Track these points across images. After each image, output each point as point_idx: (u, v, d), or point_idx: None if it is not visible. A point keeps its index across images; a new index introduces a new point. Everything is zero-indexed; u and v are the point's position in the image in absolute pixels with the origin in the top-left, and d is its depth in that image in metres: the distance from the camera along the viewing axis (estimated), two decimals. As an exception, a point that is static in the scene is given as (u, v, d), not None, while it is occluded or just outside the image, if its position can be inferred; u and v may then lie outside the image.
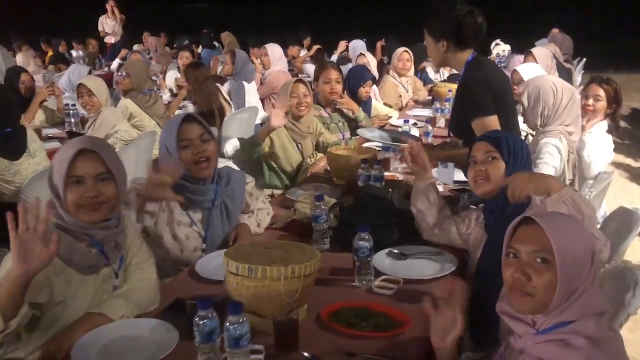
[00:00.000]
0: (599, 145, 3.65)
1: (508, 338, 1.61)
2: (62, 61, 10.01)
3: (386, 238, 2.33)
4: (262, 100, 6.42)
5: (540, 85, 3.31)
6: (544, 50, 5.17)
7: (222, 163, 3.53)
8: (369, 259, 2.10)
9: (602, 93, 3.74)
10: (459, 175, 3.15)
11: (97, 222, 1.94)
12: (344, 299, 2.02)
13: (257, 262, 1.79)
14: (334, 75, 4.28)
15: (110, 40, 11.80)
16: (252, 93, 6.18)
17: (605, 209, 3.60)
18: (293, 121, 3.77)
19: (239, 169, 3.11)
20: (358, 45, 8.49)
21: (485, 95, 2.71)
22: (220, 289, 2.09)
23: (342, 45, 9.11)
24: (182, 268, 2.39)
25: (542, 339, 1.46)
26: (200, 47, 10.50)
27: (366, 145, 3.78)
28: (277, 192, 3.81)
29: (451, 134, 3.25)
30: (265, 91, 6.52)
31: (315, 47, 9.40)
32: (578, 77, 7.55)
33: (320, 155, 3.93)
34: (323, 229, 2.42)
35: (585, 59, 8.63)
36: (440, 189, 3.19)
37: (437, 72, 7.47)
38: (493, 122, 2.69)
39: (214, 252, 2.43)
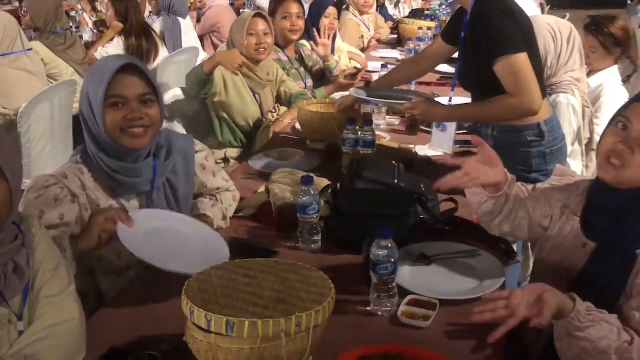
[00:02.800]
0: (612, 91, 3.12)
1: None
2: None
3: (402, 235, 1.69)
4: (201, 39, 5.57)
5: (536, 32, 2.71)
6: (527, -18, 4.54)
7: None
8: (393, 276, 1.46)
9: (595, 43, 3.18)
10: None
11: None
12: (360, 336, 1.40)
13: (240, 306, 1.13)
14: (294, 8, 3.49)
15: None
16: (188, 30, 5.31)
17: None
18: (250, 65, 3.02)
19: (181, 132, 2.35)
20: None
21: (511, 27, 2.07)
22: (169, 312, 1.46)
23: None
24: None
25: None
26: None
27: (344, 94, 3.05)
28: (232, 152, 3.10)
29: (454, 87, 2.60)
30: (203, 29, 5.66)
31: None
32: (545, 13, 7.02)
33: (283, 108, 3.22)
34: (313, 222, 1.77)
35: (548, -6, 8.08)
36: (438, 152, 2.58)
37: (396, 7, 6.77)
38: (523, 61, 2.05)
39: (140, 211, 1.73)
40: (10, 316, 1.28)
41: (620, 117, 1.38)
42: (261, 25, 3.04)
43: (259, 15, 3.10)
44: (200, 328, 1.11)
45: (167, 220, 1.70)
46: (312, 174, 1.92)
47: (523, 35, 2.11)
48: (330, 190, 1.88)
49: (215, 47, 5.64)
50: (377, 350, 1.32)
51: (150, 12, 5.56)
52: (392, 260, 1.44)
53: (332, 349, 1.32)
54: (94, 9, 6.10)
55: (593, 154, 2.96)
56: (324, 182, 1.97)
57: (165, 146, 1.81)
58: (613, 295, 1.38)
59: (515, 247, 2.00)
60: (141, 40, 4.40)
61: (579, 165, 2.76)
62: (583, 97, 2.83)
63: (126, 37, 4.37)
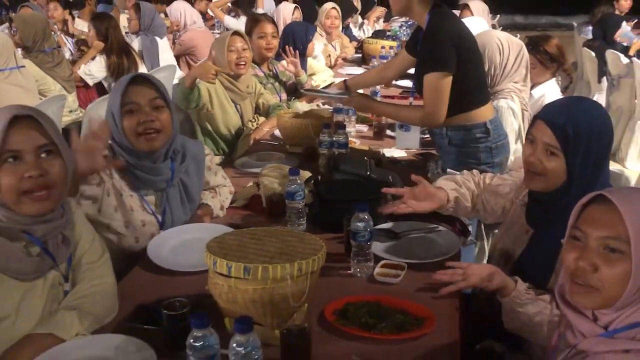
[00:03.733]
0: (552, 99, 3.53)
1: (562, 331, 1.37)
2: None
3: (375, 216, 2.01)
4: (177, 58, 5.87)
5: (484, 43, 3.08)
6: (479, 3, 4.97)
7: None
8: (369, 243, 1.79)
9: (533, 60, 3.59)
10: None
11: (44, 214, 1.49)
12: (344, 291, 1.71)
13: (252, 258, 1.43)
14: (269, 28, 3.84)
15: None
16: (165, 49, 5.60)
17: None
18: (231, 79, 3.35)
19: (195, 140, 2.67)
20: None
21: (448, 49, 2.43)
22: (187, 281, 1.77)
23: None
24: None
25: (615, 346, 1.19)
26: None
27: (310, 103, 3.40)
28: (215, 160, 3.39)
29: (414, 92, 2.97)
30: (179, 51, 5.98)
31: None
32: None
33: (262, 118, 3.54)
34: (299, 207, 2.08)
35: (499, 15, 8.65)
36: (402, 153, 2.95)
37: (360, 28, 7.18)
38: (445, 81, 2.42)
39: (165, 230, 2.05)
40: (59, 278, 1.57)
41: (575, 230, 1.28)
42: (239, 42, 3.35)
43: (236, 33, 3.42)
44: (222, 275, 1.42)
45: (186, 231, 2.03)
46: (296, 168, 2.24)
47: (465, 56, 2.46)
48: (312, 181, 2.21)
49: (189, 66, 5.94)
50: (359, 299, 1.64)
51: (127, 32, 5.82)
52: (368, 229, 1.77)
53: (322, 301, 1.63)
54: (67, 32, 6.31)
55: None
56: (306, 174, 2.30)
57: (180, 151, 2.11)
58: (545, 277, 1.67)
59: (470, 229, 2.36)
60: (122, 58, 4.67)
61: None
62: (522, 102, 3.19)
63: (107, 56, 4.64)
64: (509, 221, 1.93)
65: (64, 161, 1.50)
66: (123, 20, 6.71)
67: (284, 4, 5.48)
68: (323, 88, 3.93)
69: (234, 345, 1.22)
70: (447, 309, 1.64)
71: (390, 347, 1.47)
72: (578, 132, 1.59)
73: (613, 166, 4.92)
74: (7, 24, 5.19)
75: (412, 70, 2.93)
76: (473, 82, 2.46)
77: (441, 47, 2.42)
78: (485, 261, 2.86)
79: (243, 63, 3.34)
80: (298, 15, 5.27)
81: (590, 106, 1.70)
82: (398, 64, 3.03)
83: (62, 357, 1.42)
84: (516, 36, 6.80)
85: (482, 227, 2.84)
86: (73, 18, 6.64)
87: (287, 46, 4.16)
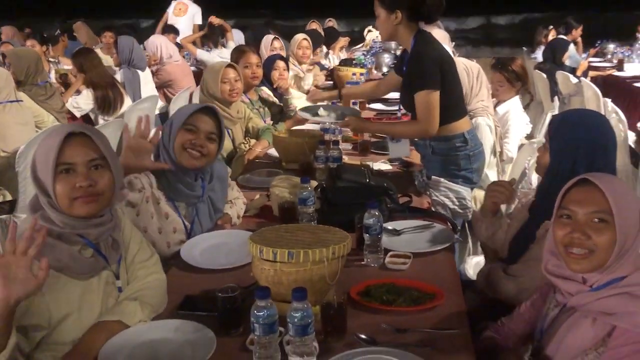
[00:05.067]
0: (516, 116, 3.91)
1: (550, 294, 1.66)
2: None
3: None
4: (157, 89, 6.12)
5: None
6: (440, 32, 5.36)
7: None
8: (379, 236, 2.07)
9: (501, 79, 3.99)
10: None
11: (93, 215, 1.70)
12: (361, 278, 1.98)
13: (292, 245, 1.69)
14: (254, 59, 4.15)
15: None
16: (147, 81, 5.85)
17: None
18: (223, 106, 3.61)
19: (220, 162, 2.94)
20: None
21: (434, 69, 2.75)
22: (219, 277, 2.00)
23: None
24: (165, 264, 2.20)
25: (601, 295, 1.49)
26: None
27: (303, 127, 3.71)
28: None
29: (401, 108, 3.32)
30: (157, 83, 6.22)
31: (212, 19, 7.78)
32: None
33: (253, 140, 3.81)
34: (311, 211, 2.35)
35: (453, 43, 9.14)
36: (387, 166, 3.25)
37: (326, 57, 7.56)
38: (434, 98, 2.74)
39: (194, 237, 2.29)
40: (112, 277, 1.79)
41: (563, 210, 1.56)
42: (232, 74, 3.62)
43: (230, 65, 3.69)
44: (268, 260, 1.67)
45: (212, 237, 2.30)
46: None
47: (447, 74, 2.79)
48: (319, 189, 2.49)
49: (167, 99, 6.19)
50: (376, 282, 1.91)
51: (109, 66, 6.04)
52: (379, 224, 2.05)
53: (345, 286, 1.89)
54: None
55: (504, 165, 3.73)
56: (314, 183, 2.57)
57: (209, 172, 2.38)
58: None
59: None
60: (107, 91, 4.89)
61: (494, 173, 3.48)
62: (493, 119, 3.58)
63: (94, 88, 4.85)
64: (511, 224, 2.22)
65: (112, 173, 1.72)
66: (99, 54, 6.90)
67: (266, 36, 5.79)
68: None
69: (292, 312, 1.47)
70: (451, 285, 1.92)
71: (409, 317, 1.74)
72: (564, 120, 1.95)
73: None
74: None
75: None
76: (454, 97, 2.79)
77: (428, 68, 2.75)
78: (466, 257, 3.18)
79: (236, 93, 3.61)
80: (278, 45, 5.57)
81: (587, 111, 2.15)
82: (389, 82, 3.39)
83: (132, 339, 1.64)
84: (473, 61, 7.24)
85: (467, 227, 3.16)
86: (49, 53, 6.80)
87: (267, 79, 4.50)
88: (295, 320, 1.47)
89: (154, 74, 6.17)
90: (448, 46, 5.49)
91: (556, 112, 6.63)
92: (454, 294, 1.87)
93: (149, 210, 2.17)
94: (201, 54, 7.13)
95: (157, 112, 5.66)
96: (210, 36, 7.49)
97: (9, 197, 3.77)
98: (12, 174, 3.68)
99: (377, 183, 2.55)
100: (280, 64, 4.76)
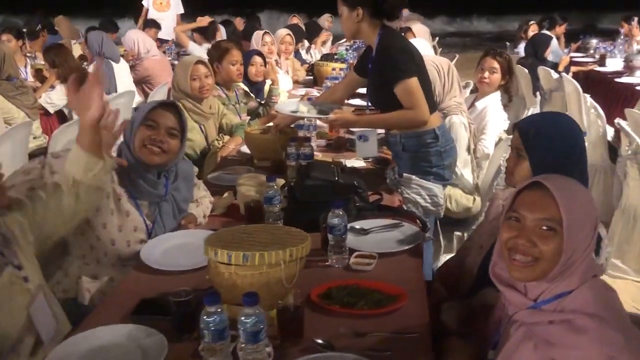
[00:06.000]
0: (494, 112, 3.86)
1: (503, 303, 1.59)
2: None
3: (347, 214, 2.25)
4: (134, 84, 6.04)
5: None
6: (421, 26, 5.36)
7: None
8: (344, 236, 2.02)
9: (497, 65, 3.88)
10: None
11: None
12: (324, 279, 1.92)
13: (248, 247, 1.64)
14: (238, 55, 4.09)
15: None
16: (123, 75, 5.76)
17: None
18: (194, 102, 3.54)
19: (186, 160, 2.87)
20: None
21: (406, 59, 2.70)
22: (180, 279, 1.95)
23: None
24: (124, 264, 2.15)
25: (543, 318, 1.39)
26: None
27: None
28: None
29: (369, 105, 3.24)
30: (135, 79, 6.13)
31: (205, 19, 7.54)
32: (437, 54, 7.97)
33: (226, 137, 3.74)
34: (276, 210, 2.29)
35: (437, 38, 9.13)
36: (362, 163, 3.20)
37: (308, 52, 7.49)
38: (415, 83, 2.67)
39: (156, 237, 2.23)
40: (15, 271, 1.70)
41: (513, 213, 1.46)
42: (202, 70, 3.54)
43: (199, 62, 3.59)
44: (223, 263, 1.61)
45: (175, 237, 2.23)
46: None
47: (416, 65, 2.75)
48: (286, 187, 2.43)
49: (145, 94, 6.10)
50: (339, 284, 1.86)
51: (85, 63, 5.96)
52: (343, 224, 2.00)
53: (306, 288, 1.84)
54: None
55: (480, 161, 3.69)
56: (281, 182, 2.52)
57: (174, 170, 2.32)
58: None
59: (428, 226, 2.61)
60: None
61: (469, 171, 3.43)
62: (467, 117, 3.52)
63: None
64: (490, 218, 2.11)
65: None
66: (77, 49, 6.80)
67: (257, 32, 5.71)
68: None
69: (243, 318, 1.42)
70: (415, 287, 1.88)
71: (370, 320, 1.69)
72: (539, 132, 1.83)
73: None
74: None
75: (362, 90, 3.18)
76: (424, 92, 2.72)
77: (399, 58, 2.68)
78: (441, 255, 3.14)
79: (206, 89, 3.54)
80: (269, 39, 5.49)
81: (557, 116, 1.98)
82: (346, 86, 3.24)
83: (81, 345, 1.58)
84: (454, 58, 7.22)
85: (439, 224, 3.11)
86: (25, 48, 6.68)
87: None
88: (247, 326, 1.41)
89: (131, 69, 6.07)
90: (429, 41, 5.49)
91: (537, 107, 6.63)
92: (418, 296, 1.82)
93: (109, 206, 2.11)
94: (193, 47, 7.01)
95: (134, 105, 5.57)
96: (204, 31, 7.36)
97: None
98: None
99: (347, 181, 2.49)
100: (257, 59, 4.70)
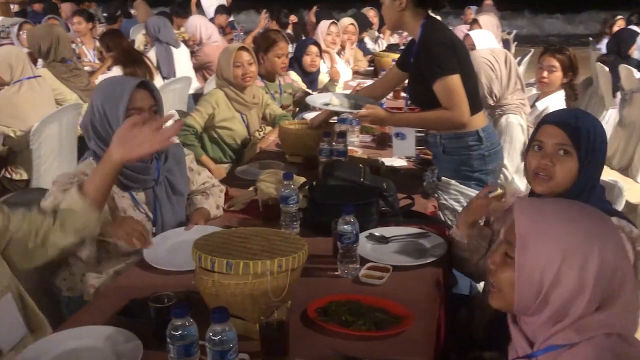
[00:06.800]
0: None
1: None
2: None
3: (366, 220, 2.09)
4: (196, 70, 6.04)
5: (475, 65, 3.11)
6: (489, 18, 5.03)
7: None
8: (354, 245, 1.85)
9: (556, 63, 3.57)
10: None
11: None
12: (329, 291, 1.76)
13: (235, 254, 1.50)
14: (285, 48, 3.98)
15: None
16: (183, 60, 5.77)
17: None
18: (236, 90, 3.44)
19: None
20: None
21: (448, 54, 2.48)
22: (179, 279, 1.83)
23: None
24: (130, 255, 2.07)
25: None
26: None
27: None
28: (223, 168, 3.48)
29: (408, 102, 3.03)
30: (196, 64, 6.13)
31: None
32: (512, 49, 7.56)
33: (268, 128, 3.63)
34: (293, 211, 2.15)
35: (515, 31, 8.67)
36: (402, 162, 3.00)
37: (375, 42, 7.28)
38: (456, 81, 2.46)
39: (161, 233, 2.13)
40: None
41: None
42: (245, 56, 3.43)
43: (243, 48, 3.49)
44: (206, 269, 1.49)
45: (181, 234, 2.12)
46: (292, 172, 2.30)
47: (459, 61, 2.50)
48: (307, 187, 2.28)
49: (206, 79, 6.09)
50: (340, 298, 1.69)
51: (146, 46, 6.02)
52: (354, 232, 1.83)
53: (307, 298, 1.69)
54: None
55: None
56: (300, 180, 2.37)
57: (163, 152, 2.20)
58: None
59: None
60: (135, 68, 4.80)
61: (521, 177, 3.14)
62: (527, 119, 3.25)
63: (124, 66, 4.78)
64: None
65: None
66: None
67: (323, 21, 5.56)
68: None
69: (211, 334, 1.28)
70: (426, 309, 1.69)
71: (367, 343, 1.52)
72: (587, 130, 1.69)
73: (625, 181, 4.91)
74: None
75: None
76: (467, 90, 2.50)
77: (441, 53, 2.47)
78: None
79: (249, 77, 3.42)
80: (335, 30, 5.33)
81: (590, 114, 1.81)
82: (388, 81, 3.05)
83: (55, 346, 1.50)
84: (529, 53, 6.79)
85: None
86: (95, 30, 6.83)
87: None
88: (214, 343, 1.28)
89: (193, 54, 6.08)
90: (497, 34, 5.15)
91: (617, 109, 6.14)
92: (427, 319, 1.64)
93: (105, 208, 1.99)
94: None
95: (192, 91, 5.57)
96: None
97: (25, 177, 3.76)
98: (28, 153, 3.65)
99: (373, 183, 2.32)
100: (313, 49, 4.57)
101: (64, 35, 4.40)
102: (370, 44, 7.16)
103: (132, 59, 4.52)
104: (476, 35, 4.09)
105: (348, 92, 3.74)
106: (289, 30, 7.23)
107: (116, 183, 2.04)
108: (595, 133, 1.71)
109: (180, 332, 1.30)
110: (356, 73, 5.82)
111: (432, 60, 2.47)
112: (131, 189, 2.12)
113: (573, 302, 1.13)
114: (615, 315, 1.12)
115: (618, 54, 6.34)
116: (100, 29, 7.62)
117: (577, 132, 1.68)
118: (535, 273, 1.14)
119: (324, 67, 4.98)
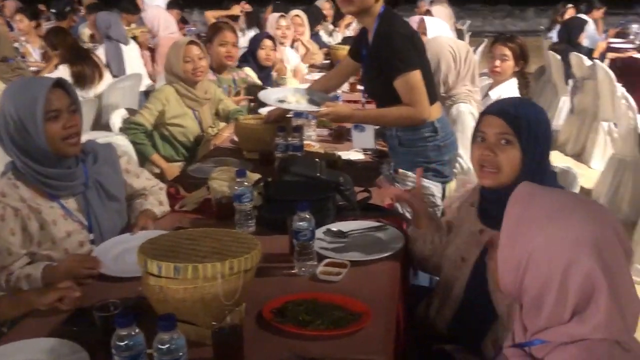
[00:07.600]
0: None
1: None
2: None
3: (323, 215, 2.04)
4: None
5: (438, 52, 3.10)
6: (442, 9, 5.04)
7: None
8: (311, 242, 1.80)
9: (507, 52, 3.59)
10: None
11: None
12: (286, 290, 1.71)
13: (184, 258, 1.43)
14: (230, 37, 3.86)
15: None
16: (132, 56, 5.61)
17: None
18: (187, 86, 3.34)
19: (127, 146, 2.66)
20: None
21: (408, 47, 2.43)
22: (129, 286, 1.74)
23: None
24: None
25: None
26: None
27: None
28: (175, 166, 3.37)
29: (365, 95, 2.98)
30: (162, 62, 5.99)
31: (236, 8, 7.37)
32: (466, 39, 7.61)
33: (222, 124, 3.54)
34: (247, 209, 2.08)
35: (469, 21, 8.74)
36: (359, 155, 2.96)
37: (330, 35, 7.23)
38: (417, 77, 2.42)
39: (107, 241, 2.03)
40: None
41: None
42: (195, 51, 3.32)
43: (192, 42, 3.39)
44: (153, 275, 1.41)
45: (128, 240, 2.00)
46: (245, 169, 2.23)
47: (418, 53, 2.47)
48: (262, 183, 2.21)
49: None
50: (296, 297, 1.64)
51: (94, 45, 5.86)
52: (310, 228, 1.78)
53: (263, 299, 1.63)
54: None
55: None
56: (255, 176, 2.30)
57: (91, 153, 2.08)
58: None
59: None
60: (82, 65, 4.64)
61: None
62: (477, 106, 3.24)
63: (71, 64, 4.62)
64: (458, 224, 1.93)
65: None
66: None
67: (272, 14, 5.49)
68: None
69: (158, 344, 1.22)
70: (385, 304, 1.65)
71: (325, 342, 1.47)
72: (527, 118, 1.67)
73: (579, 167, 4.99)
74: None
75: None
76: (425, 83, 2.46)
77: (402, 47, 2.42)
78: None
79: (200, 72, 3.33)
80: (285, 23, 5.25)
81: (532, 102, 1.82)
82: (341, 72, 2.98)
83: None
84: (482, 43, 6.86)
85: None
86: (40, 28, 6.59)
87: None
88: (162, 353, 1.21)
89: (151, 50, 5.93)
90: (451, 25, 5.16)
91: (569, 96, 6.25)
92: (385, 315, 1.60)
93: (34, 226, 1.89)
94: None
95: (143, 88, 5.42)
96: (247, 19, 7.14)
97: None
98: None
99: (330, 177, 2.27)
100: (268, 42, 4.48)
101: (4, 34, 4.21)
102: (325, 37, 7.12)
103: (79, 57, 4.38)
104: (430, 22, 4.07)
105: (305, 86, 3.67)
106: (242, 24, 7.10)
107: (40, 194, 1.93)
108: (537, 120, 1.69)
109: (125, 342, 1.22)
110: (312, 66, 5.76)
111: (394, 53, 2.42)
112: (59, 197, 1.98)
113: (545, 295, 1.11)
114: (602, 320, 1.08)
115: (568, 42, 6.45)
116: (48, 26, 7.37)
117: (517, 121, 1.66)
118: (521, 252, 1.15)
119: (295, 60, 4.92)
